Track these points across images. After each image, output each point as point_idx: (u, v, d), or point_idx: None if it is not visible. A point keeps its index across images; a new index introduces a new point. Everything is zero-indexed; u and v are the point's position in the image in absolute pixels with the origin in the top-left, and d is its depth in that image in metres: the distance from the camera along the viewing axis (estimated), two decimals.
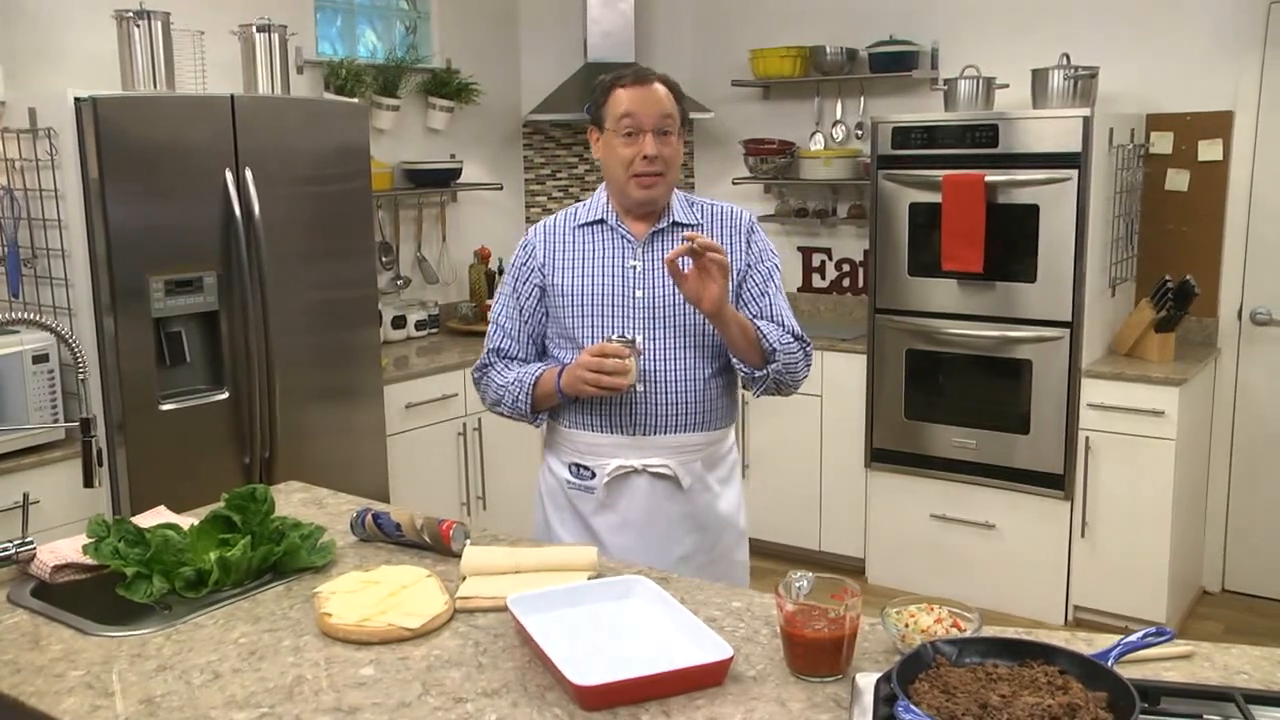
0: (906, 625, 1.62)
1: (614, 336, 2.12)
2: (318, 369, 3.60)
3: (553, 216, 2.33)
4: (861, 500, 4.43)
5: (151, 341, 3.17)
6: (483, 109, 5.03)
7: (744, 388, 2.32)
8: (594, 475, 2.25)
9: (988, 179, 3.88)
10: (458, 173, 4.80)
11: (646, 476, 2.23)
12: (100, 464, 1.95)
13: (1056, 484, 3.96)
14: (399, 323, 4.64)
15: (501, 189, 5.15)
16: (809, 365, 2.30)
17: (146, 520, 2.09)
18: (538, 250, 2.29)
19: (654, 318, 2.21)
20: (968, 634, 1.58)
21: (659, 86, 2.17)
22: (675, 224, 2.25)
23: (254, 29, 3.56)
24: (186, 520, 2.10)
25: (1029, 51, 4.24)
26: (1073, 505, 3.95)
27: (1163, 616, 3.86)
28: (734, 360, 2.23)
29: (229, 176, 3.26)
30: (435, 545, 2.04)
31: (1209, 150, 4.12)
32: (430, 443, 4.19)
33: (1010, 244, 3.93)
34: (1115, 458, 3.84)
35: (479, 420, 4.37)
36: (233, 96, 3.27)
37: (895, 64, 4.62)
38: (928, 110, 4.49)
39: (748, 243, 2.30)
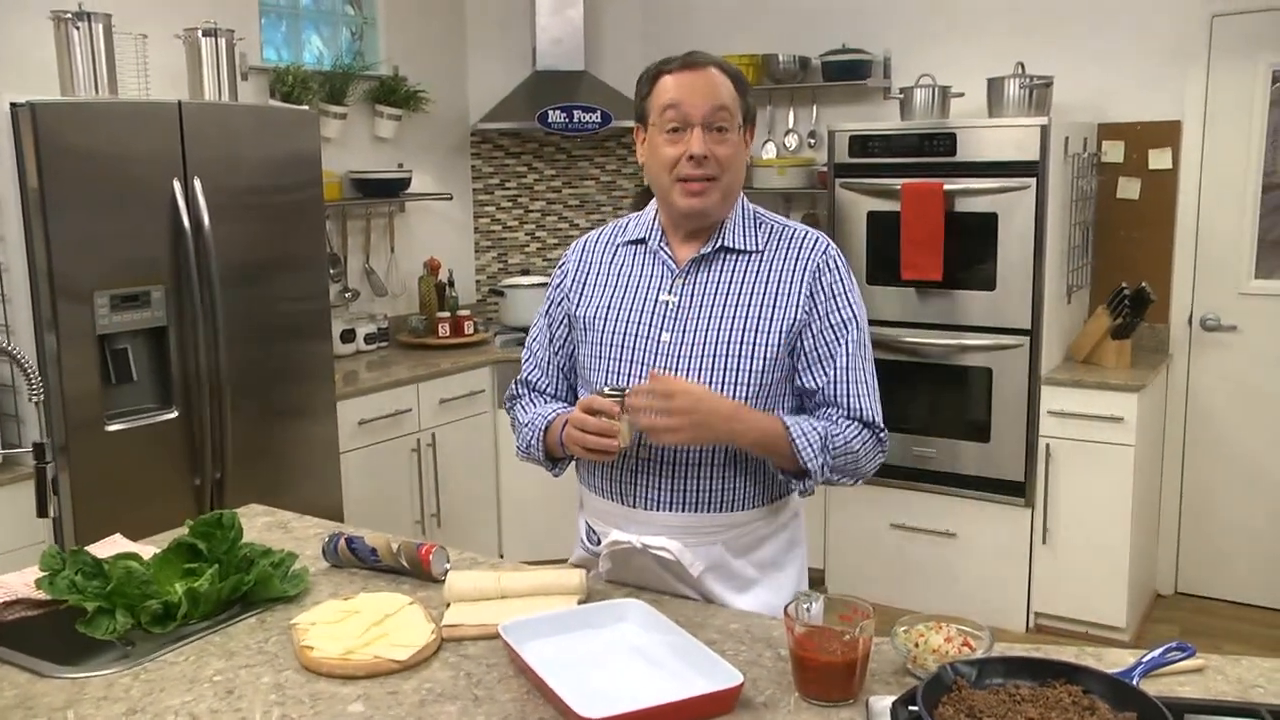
0: (916, 645, 1.57)
1: (605, 388, 1.77)
2: (270, 385, 3.48)
3: (602, 228, 2.03)
4: (821, 510, 4.40)
5: (96, 359, 3.02)
6: (430, 117, 4.93)
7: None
8: (599, 542, 1.94)
9: (946, 187, 3.89)
10: (407, 182, 4.70)
11: (649, 556, 1.85)
12: (55, 492, 1.83)
13: (1017, 491, 3.97)
14: (348, 336, 4.51)
15: (451, 199, 5.05)
16: (882, 454, 1.87)
17: (103, 550, 1.98)
18: (570, 273, 1.98)
19: (678, 368, 1.81)
20: (980, 653, 1.54)
21: (714, 72, 1.80)
22: (724, 249, 1.86)
23: (200, 33, 3.42)
24: (145, 549, 1.98)
25: (980, 61, 4.27)
26: (1033, 512, 3.96)
27: (1123, 621, 3.89)
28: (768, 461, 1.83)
29: (177, 186, 3.12)
30: (414, 570, 1.95)
31: (1159, 159, 4.17)
32: (384, 460, 4.07)
33: (969, 252, 3.94)
34: (1075, 464, 3.86)
35: (432, 436, 4.27)
36: (180, 103, 3.14)
37: (848, 73, 4.62)
38: (880, 119, 4.50)
39: (814, 282, 1.82)
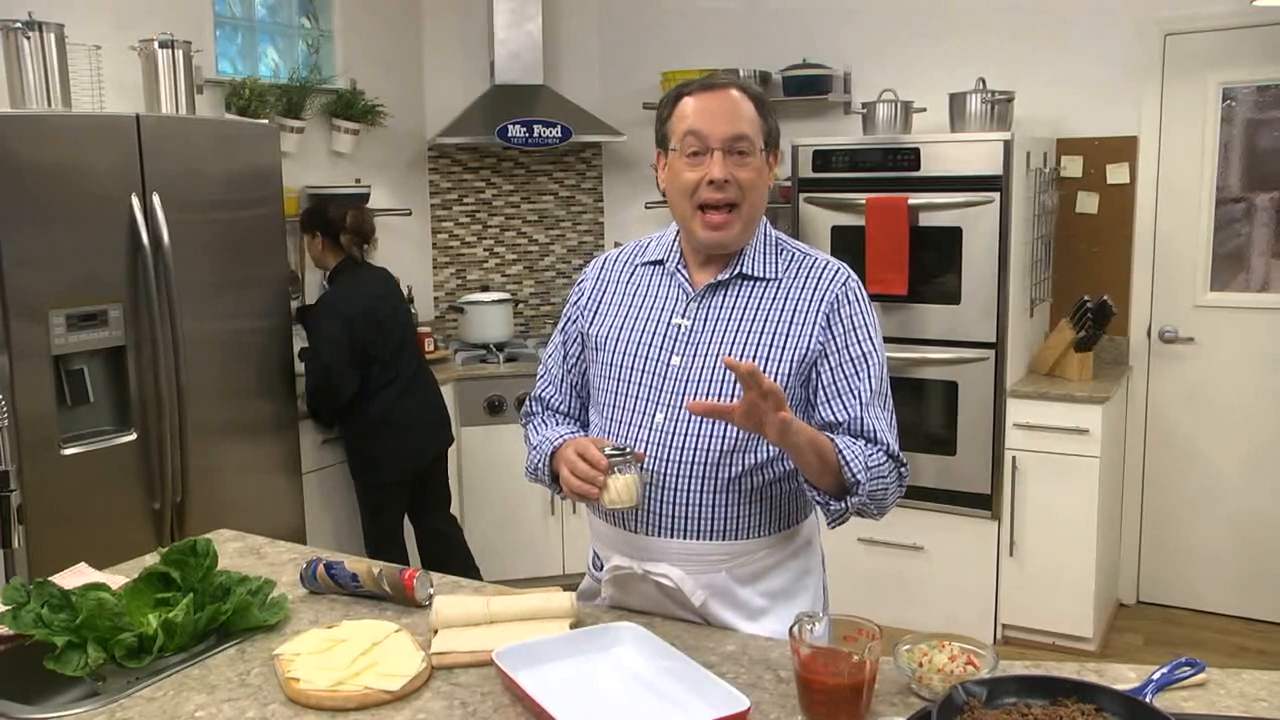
0: (921, 664, 1.55)
1: (607, 448, 1.70)
2: (230, 405, 3.39)
3: (623, 247, 1.99)
4: None
5: (51, 381, 2.92)
6: (388, 132, 4.86)
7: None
8: (602, 568, 1.92)
9: (910, 202, 3.91)
10: (366, 198, 4.62)
11: (650, 583, 1.82)
12: (21, 521, 1.75)
13: (984, 504, 3.99)
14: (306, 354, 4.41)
15: (410, 214, 4.98)
16: (901, 489, 1.79)
17: (68, 580, 1.89)
18: (588, 291, 1.95)
19: (685, 393, 1.77)
20: (985, 672, 1.52)
21: (735, 94, 1.75)
22: (741, 276, 1.81)
23: (156, 45, 3.34)
24: (113, 579, 1.90)
25: (940, 76, 4.30)
26: (1000, 525, 3.98)
27: (1089, 632, 3.92)
28: (803, 482, 1.72)
29: (135, 202, 3.04)
30: (397, 596, 1.90)
31: (1116, 173, 4.23)
32: (347, 480, 3.98)
33: (933, 266, 3.96)
34: (1041, 476, 3.89)
35: None
36: (138, 116, 3.05)
37: (809, 87, 4.63)
38: (841, 134, 4.52)
39: (832, 314, 1.77)
